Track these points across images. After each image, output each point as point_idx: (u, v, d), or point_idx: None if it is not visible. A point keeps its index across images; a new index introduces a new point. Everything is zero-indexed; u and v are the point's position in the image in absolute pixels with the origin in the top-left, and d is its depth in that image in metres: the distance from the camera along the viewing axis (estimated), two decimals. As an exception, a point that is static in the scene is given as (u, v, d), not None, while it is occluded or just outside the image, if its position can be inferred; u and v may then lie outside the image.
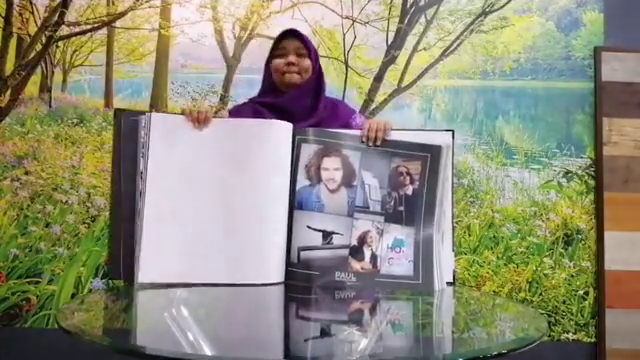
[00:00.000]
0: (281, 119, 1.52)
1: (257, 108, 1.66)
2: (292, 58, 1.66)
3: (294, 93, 1.67)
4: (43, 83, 2.67)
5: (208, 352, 0.93)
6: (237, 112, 1.71)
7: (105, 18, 2.68)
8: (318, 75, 1.71)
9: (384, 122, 1.50)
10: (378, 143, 1.48)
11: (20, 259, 2.51)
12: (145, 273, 1.38)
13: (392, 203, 1.46)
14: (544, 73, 2.77)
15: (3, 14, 2.66)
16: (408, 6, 2.73)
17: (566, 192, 2.66)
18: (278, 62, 1.68)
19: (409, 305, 1.41)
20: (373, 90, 2.72)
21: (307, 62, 1.68)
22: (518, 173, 2.69)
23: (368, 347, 0.99)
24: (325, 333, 1.13)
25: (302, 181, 1.48)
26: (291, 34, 1.70)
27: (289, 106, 1.63)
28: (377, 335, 1.09)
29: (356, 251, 1.44)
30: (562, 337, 2.57)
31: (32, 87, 2.66)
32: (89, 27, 2.68)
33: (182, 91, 2.69)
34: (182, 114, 1.49)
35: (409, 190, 1.46)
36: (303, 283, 1.42)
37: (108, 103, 2.68)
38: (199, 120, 1.47)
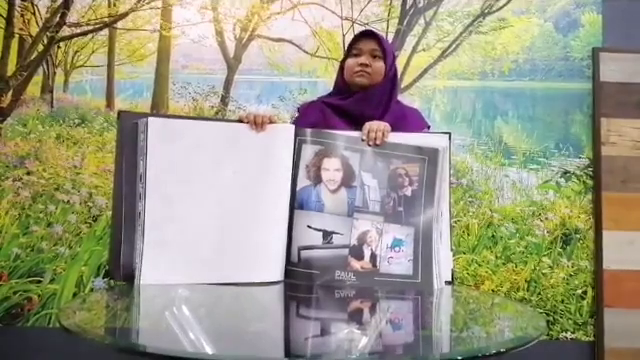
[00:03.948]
0: (346, 122, 1.54)
1: (324, 109, 1.66)
2: (365, 59, 1.63)
3: (360, 97, 1.64)
4: (45, 84, 2.67)
5: (209, 350, 0.93)
6: (305, 111, 1.73)
7: (106, 19, 2.68)
8: (392, 79, 1.67)
9: (384, 125, 1.51)
10: (378, 142, 1.48)
11: (22, 258, 2.51)
12: (147, 275, 1.38)
13: (391, 204, 1.47)
14: (542, 74, 2.78)
15: (5, 15, 2.66)
16: (407, 7, 2.73)
17: (564, 192, 2.67)
18: (351, 62, 1.65)
19: (408, 304, 1.42)
20: (373, 91, 2.72)
21: (380, 64, 1.64)
22: (516, 173, 2.69)
23: (368, 345, 1.00)
24: (325, 331, 1.14)
25: (303, 181, 1.49)
26: (367, 35, 1.66)
27: (354, 110, 1.62)
28: (376, 334, 1.09)
29: (356, 250, 1.45)
30: (560, 336, 2.57)
31: (34, 88, 2.66)
32: (90, 28, 2.68)
33: (183, 92, 2.69)
34: (240, 121, 1.50)
35: (408, 191, 1.47)
36: (303, 282, 1.43)
37: (109, 104, 2.68)
38: (257, 123, 1.47)
